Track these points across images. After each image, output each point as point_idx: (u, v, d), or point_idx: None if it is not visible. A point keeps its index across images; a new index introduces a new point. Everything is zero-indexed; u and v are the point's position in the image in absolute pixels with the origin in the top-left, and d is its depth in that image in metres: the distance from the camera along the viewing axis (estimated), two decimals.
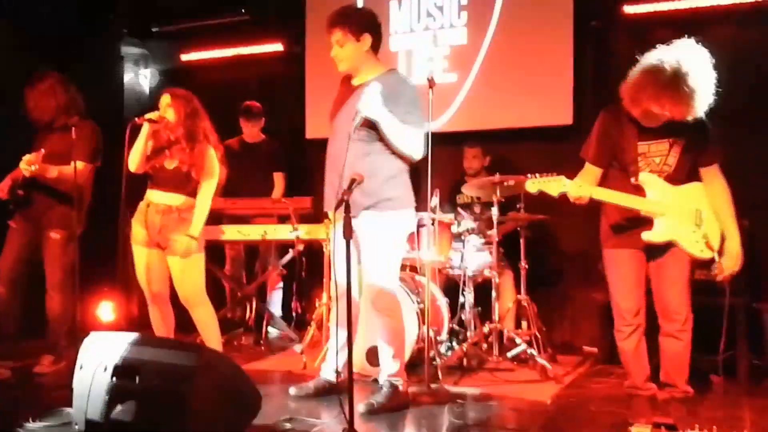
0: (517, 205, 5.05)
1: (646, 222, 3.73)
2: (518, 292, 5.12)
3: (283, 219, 5.61)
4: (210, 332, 4.31)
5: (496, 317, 4.81)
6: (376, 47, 3.83)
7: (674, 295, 3.77)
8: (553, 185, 3.66)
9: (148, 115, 4.10)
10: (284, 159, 6.14)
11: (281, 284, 6.15)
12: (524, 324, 5.06)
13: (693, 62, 3.52)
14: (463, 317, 5.01)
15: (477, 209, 5.55)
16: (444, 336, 4.82)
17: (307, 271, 5.46)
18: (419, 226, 4.72)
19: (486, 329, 4.77)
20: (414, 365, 4.52)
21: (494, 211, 4.81)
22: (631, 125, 3.78)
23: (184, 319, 4.41)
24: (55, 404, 3.53)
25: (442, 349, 4.79)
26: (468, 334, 4.87)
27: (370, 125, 3.63)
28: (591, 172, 3.91)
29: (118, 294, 5.01)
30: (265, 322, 5.63)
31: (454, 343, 4.97)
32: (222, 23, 6.89)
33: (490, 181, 4.77)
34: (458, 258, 4.99)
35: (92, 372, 3.04)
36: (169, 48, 7.21)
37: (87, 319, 5.09)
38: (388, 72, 3.84)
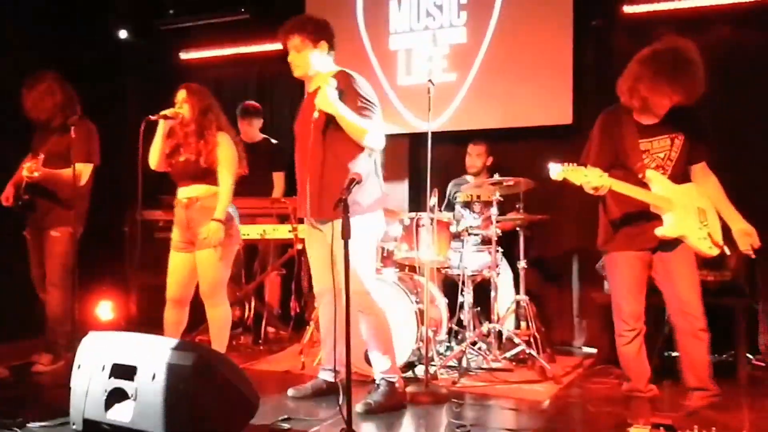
0: (516, 205, 5.05)
1: (648, 222, 3.70)
2: (517, 292, 5.12)
3: (282, 219, 5.60)
4: (219, 333, 4.29)
5: (495, 317, 4.81)
6: (331, 53, 3.91)
7: (688, 291, 3.71)
8: (578, 174, 3.58)
9: (163, 112, 4.11)
10: (283, 158, 6.13)
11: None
12: (523, 324, 5.05)
13: (683, 49, 3.56)
14: (462, 317, 5.01)
15: (477, 208, 5.55)
16: (443, 336, 4.82)
17: (306, 271, 5.45)
18: (418, 225, 4.72)
19: (485, 329, 4.76)
20: (413, 365, 4.52)
21: (493, 211, 4.81)
22: (632, 124, 3.79)
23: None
24: (53, 404, 3.53)
25: (441, 348, 4.79)
26: (467, 334, 4.87)
27: (333, 127, 3.67)
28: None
29: (118, 293, 5.01)
30: (264, 322, 5.63)
31: (453, 343, 4.97)
32: (222, 22, 6.89)
33: (489, 181, 4.78)
34: (457, 258, 4.98)
35: (90, 371, 3.04)
36: (169, 46, 7.21)
37: (86, 319, 5.09)
38: (340, 72, 3.86)
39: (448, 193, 5.88)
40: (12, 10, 5.80)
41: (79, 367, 3.10)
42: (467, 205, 5.61)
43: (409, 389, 3.95)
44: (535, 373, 4.61)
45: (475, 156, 5.71)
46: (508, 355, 4.79)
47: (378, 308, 3.84)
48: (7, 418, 3.37)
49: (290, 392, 3.98)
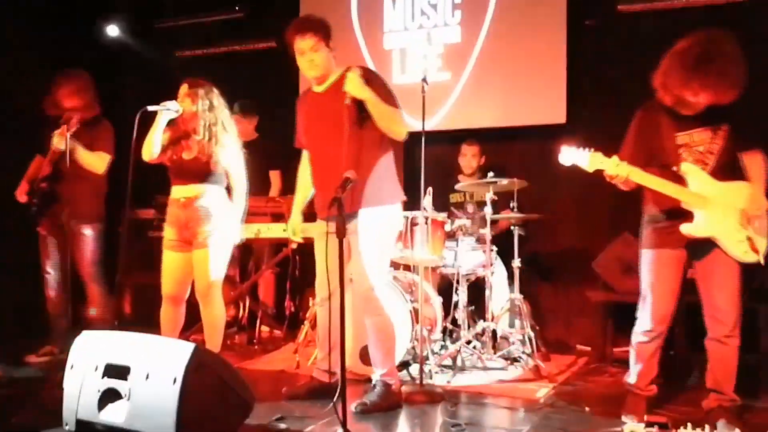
0: (511, 204, 5.04)
1: (686, 218, 3.44)
2: (512, 290, 5.12)
3: (277, 217, 5.59)
4: (213, 333, 4.27)
5: (489, 316, 4.81)
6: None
7: (723, 299, 3.45)
8: (590, 159, 3.42)
9: (163, 104, 4.06)
10: (279, 157, 6.11)
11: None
12: (518, 323, 5.05)
13: (711, 42, 3.28)
14: (456, 316, 5.01)
15: (470, 208, 5.55)
16: (437, 335, 4.81)
17: (300, 269, 5.45)
18: (413, 224, 4.72)
19: (479, 328, 4.77)
20: (407, 364, 4.52)
21: (488, 210, 4.81)
22: (669, 117, 3.50)
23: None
24: (46, 404, 3.52)
25: (436, 347, 4.79)
26: (462, 333, 4.87)
27: (356, 119, 3.67)
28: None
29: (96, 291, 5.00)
30: (258, 322, 5.62)
31: (448, 342, 4.97)
32: (216, 21, 6.88)
33: (483, 181, 4.77)
34: (452, 257, 4.98)
35: (83, 372, 3.03)
36: (164, 45, 7.19)
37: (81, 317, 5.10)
38: (351, 67, 3.86)
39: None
40: (11, 10, 5.80)
41: (71, 367, 3.08)
42: (460, 205, 5.62)
43: (404, 388, 3.95)
44: (529, 371, 4.62)
45: (471, 156, 5.70)
46: (502, 353, 4.79)
47: (387, 306, 3.85)
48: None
49: (285, 392, 3.97)
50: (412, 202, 6.02)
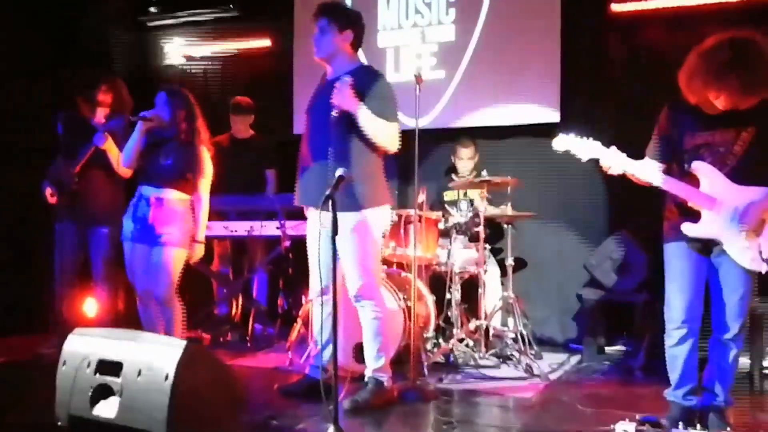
0: (504, 203, 5.05)
1: (698, 215, 3.33)
2: (505, 289, 5.12)
3: (270, 215, 5.59)
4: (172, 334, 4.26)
5: (482, 314, 4.82)
6: (355, 45, 3.91)
7: (730, 304, 3.35)
8: (584, 148, 3.35)
9: (143, 113, 4.17)
10: (274, 155, 6.12)
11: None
12: (510, 321, 5.06)
13: (745, 46, 3.15)
14: (449, 314, 5.01)
15: (464, 206, 5.55)
16: (430, 333, 4.82)
17: (293, 267, 5.45)
18: (406, 222, 4.73)
19: (472, 326, 4.77)
20: (400, 362, 4.52)
21: (481, 208, 4.81)
22: (693, 115, 3.38)
23: None
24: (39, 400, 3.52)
25: (429, 345, 4.79)
26: (454, 330, 4.88)
27: (348, 121, 3.66)
28: (650, 166, 3.48)
29: (103, 289, 5.04)
30: (251, 319, 5.61)
31: (441, 340, 4.97)
32: (212, 19, 6.88)
33: (476, 180, 4.78)
34: (445, 255, 4.99)
35: (75, 368, 3.02)
36: (157, 42, 7.18)
37: (73, 314, 5.11)
38: (362, 67, 3.89)
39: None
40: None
41: (64, 363, 3.08)
42: (454, 203, 5.62)
43: (397, 386, 3.95)
44: (522, 370, 4.63)
45: (467, 160, 5.68)
46: (495, 351, 4.80)
47: (383, 304, 3.86)
48: None
49: (277, 389, 3.97)
50: (405, 200, 6.07)
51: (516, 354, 4.78)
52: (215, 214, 5.55)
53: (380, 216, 3.82)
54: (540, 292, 5.78)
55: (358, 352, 4.09)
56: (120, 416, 2.87)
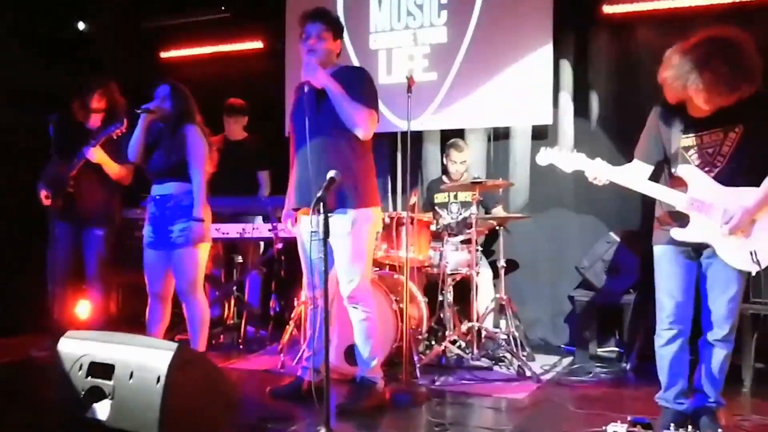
0: (496, 204, 5.06)
1: (686, 218, 3.32)
2: (497, 290, 5.14)
3: (264, 217, 5.59)
4: (197, 332, 4.27)
5: (474, 316, 4.83)
6: (338, 55, 3.96)
7: (720, 306, 3.34)
8: (568, 161, 3.37)
9: (145, 105, 4.20)
10: (268, 156, 6.12)
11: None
12: (503, 323, 5.07)
13: (722, 44, 3.11)
14: (442, 316, 5.02)
15: (455, 208, 5.57)
16: (423, 334, 4.83)
17: (286, 269, 5.45)
18: (398, 224, 4.73)
19: (465, 328, 4.78)
20: (392, 364, 4.53)
21: (473, 210, 4.82)
22: (680, 117, 3.37)
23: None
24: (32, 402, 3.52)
25: (421, 347, 4.80)
26: (447, 332, 4.88)
27: (334, 123, 3.68)
28: (639, 168, 3.50)
29: (97, 291, 5.04)
30: (244, 321, 5.61)
31: (433, 342, 4.98)
32: (203, 21, 6.88)
33: (468, 182, 4.79)
34: (437, 257, 5.00)
35: (68, 371, 3.02)
36: (150, 45, 7.18)
37: (66, 316, 5.12)
38: (344, 66, 3.94)
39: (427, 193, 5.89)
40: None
41: (56, 365, 3.08)
42: (445, 205, 5.63)
43: (389, 388, 3.96)
44: (514, 371, 4.64)
45: (459, 163, 5.65)
46: (487, 353, 4.81)
47: (374, 306, 3.86)
48: None
49: (270, 391, 3.97)
50: (397, 202, 6.08)
51: (508, 356, 4.80)
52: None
53: (372, 217, 3.83)
54: (532, 294, 5.79)
55: (351, 354, 4.09)
56: (112, 418, 2.87)
